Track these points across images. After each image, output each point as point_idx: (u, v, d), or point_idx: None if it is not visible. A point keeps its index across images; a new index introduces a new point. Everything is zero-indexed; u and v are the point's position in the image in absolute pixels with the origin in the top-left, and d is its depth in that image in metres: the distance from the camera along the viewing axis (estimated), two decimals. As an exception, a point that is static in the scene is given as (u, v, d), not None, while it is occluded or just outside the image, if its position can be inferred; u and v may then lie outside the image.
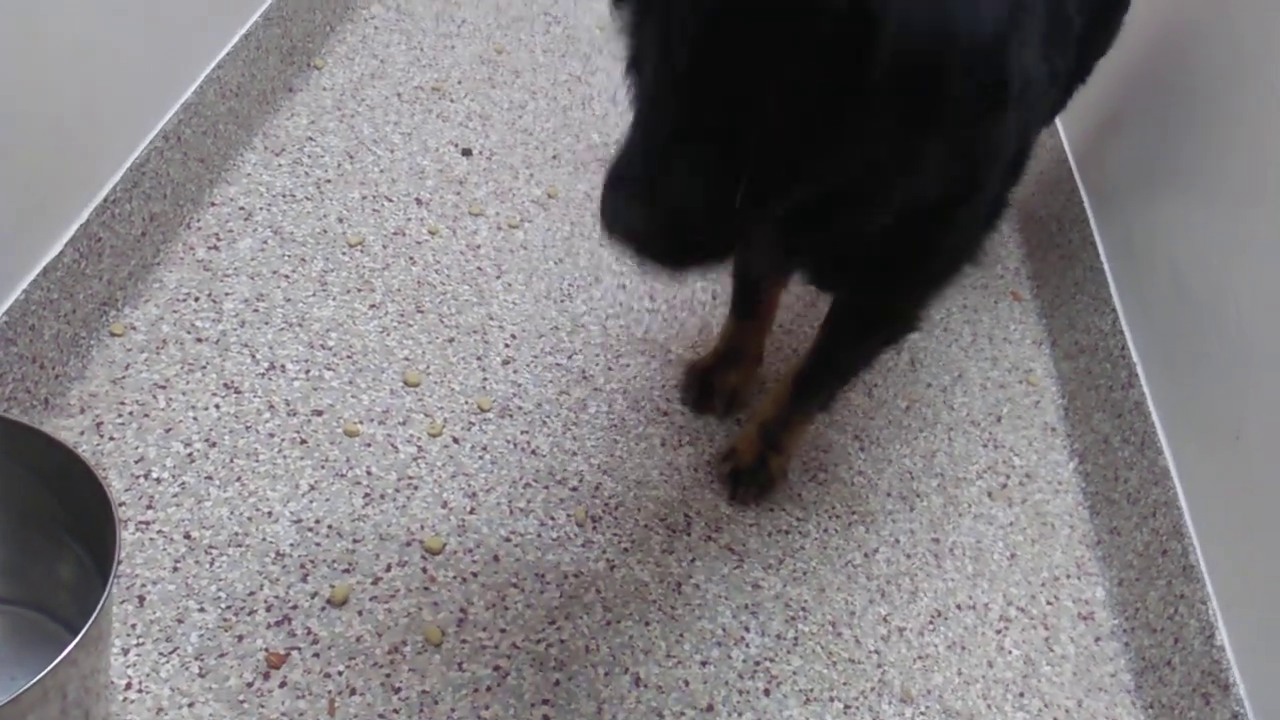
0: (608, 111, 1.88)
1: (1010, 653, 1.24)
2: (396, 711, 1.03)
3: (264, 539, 1.12)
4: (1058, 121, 1.92)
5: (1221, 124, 1.42)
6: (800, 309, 1.62)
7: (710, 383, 1.41)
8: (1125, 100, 1.71)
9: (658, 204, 0.77)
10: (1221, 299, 1.32)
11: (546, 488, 1.25)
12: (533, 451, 1.29)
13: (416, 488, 1.21)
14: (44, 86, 1.08)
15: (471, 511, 1.20)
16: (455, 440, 1.27)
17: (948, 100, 0.76)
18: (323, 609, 1.08)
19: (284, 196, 1.52)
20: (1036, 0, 0.91)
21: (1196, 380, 1.34)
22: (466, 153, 1.70)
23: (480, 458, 1.26)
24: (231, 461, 1.18)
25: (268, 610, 1.07)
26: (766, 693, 1.13)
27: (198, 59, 1.42)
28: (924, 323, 1.21)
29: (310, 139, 1.63)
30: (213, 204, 1.47)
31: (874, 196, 0.88)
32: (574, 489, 1.26)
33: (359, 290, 1.42)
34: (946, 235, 1.04)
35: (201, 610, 1.06)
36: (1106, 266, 1.62)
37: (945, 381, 1.58)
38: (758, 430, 1.31)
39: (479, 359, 1.39)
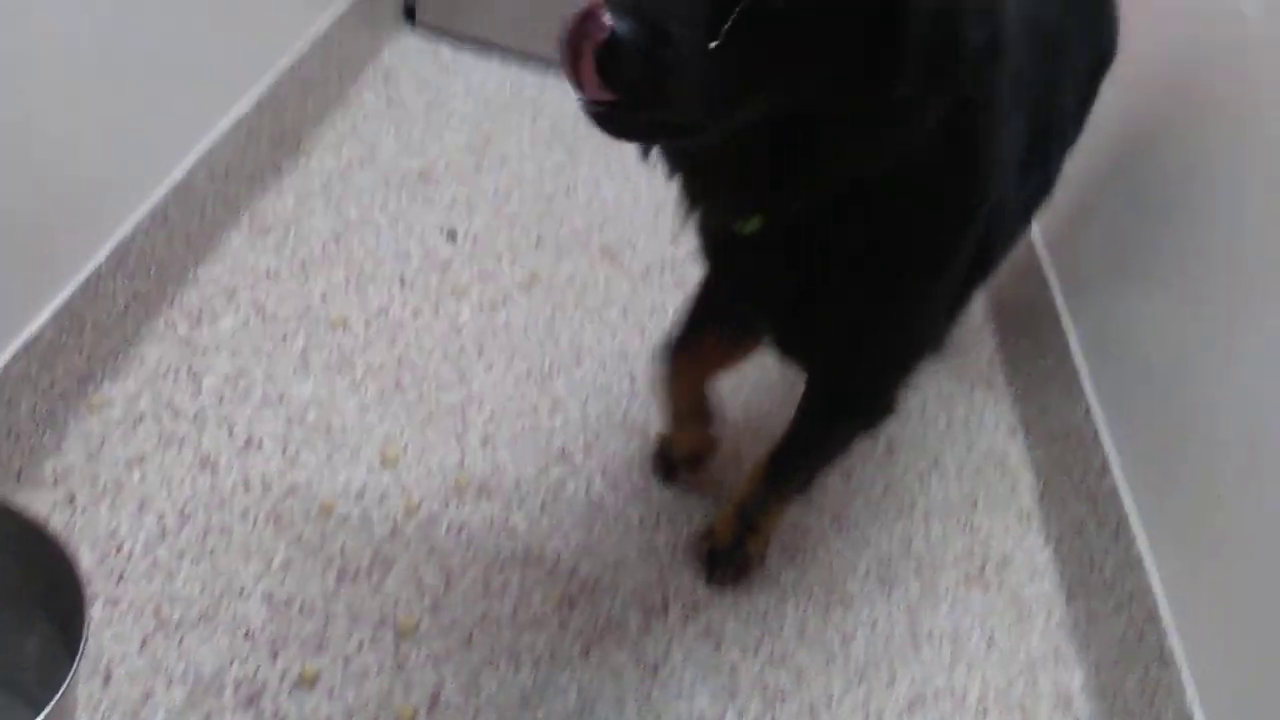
0: (591, 198, 1.92)
1: (989, 741, 1.23)
2: (363, 796, 1.00)
3: (234, 616, 1.10)
4: (1028, 215, 1.97)
5: (1193, 222, 1.46)
6: (782, 394, 1.63)
7: (668, 450, 1.42)
8: (1097, 191, 1.76)
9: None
10: (1192, 393, 1.34)
11: (523, 568, 1.25)
12: (510, 531, 1.29)
13: (390, 566, 1.20)
14: (34, 163, 1.10)
15: (446, 591, 1.19)
16: (431, 518, 1.27)
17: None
18: (292, 689, 1.06)
19: (268, 276, 1.54)
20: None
21: (1169, 470, 1.35)
22: (451, 235, 1.73)
23: (456, 537, 1.26)
24: (204, 537, 1.17)
25: (236, 689, 1.05)
26: (742, 780, 1.11)
27: (189, 141, 1.45)
28: (894, 410, 1.22)
29: (297, 220, 1.65)
30: (197, 282, 1.48)
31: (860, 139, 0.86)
32: (550, 569, 1.26)
33: (339, 368, 1.43)
34: (910, 312, 1.05)
35: (169, 688, 1.04)
36: (1078, 356, 1.65)
37: (922, 467, 1.59)
38: (735, 511, 1.31)
39: (458, 437, 1.39)
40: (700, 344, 1.28)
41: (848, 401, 1.18)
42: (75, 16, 1.09)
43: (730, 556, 1.30)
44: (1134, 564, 1.34)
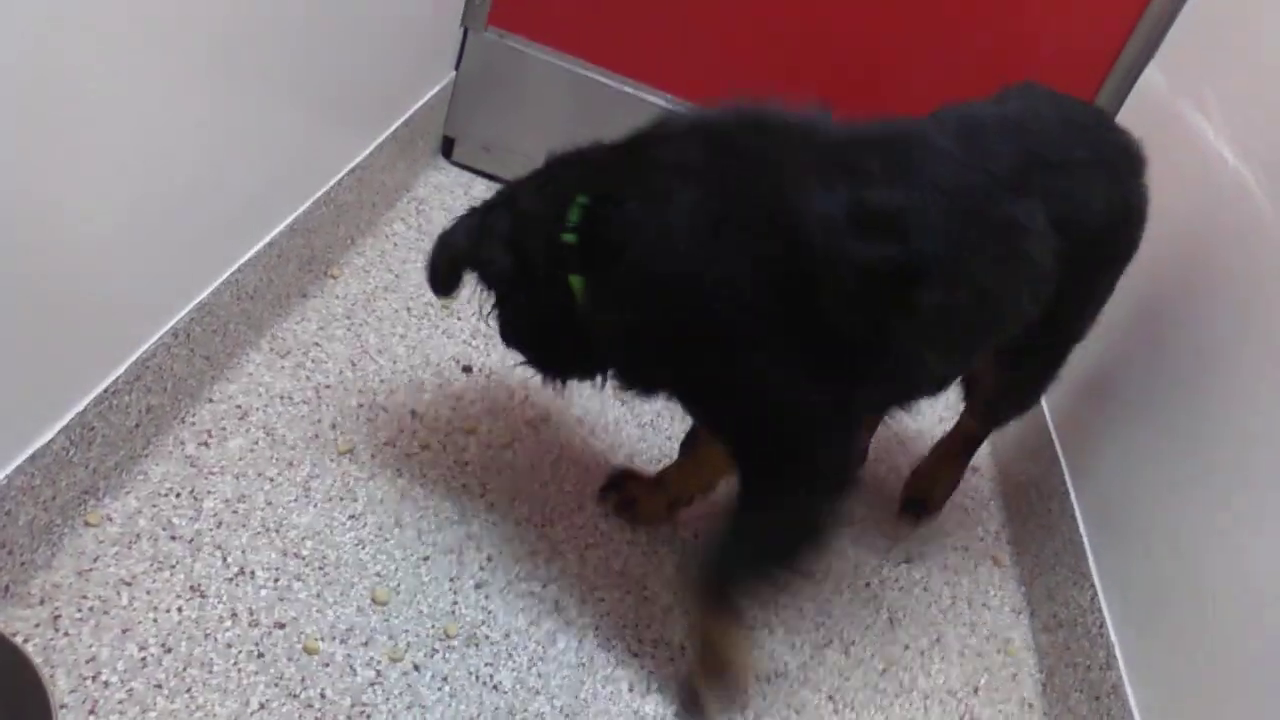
0: (607, 341, 1.93)
1: None
2: None
3: (204, 759, 1.07)
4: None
5: (1202, 414, 1.46)
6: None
7: (634, 492, 1.58)
8: (1108, 374, 1.77)
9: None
10: (1198, 591, 1.32)
11: (505, 727, 1.21)
12: (495, 686, 1.25)
13: (369, 716, 1.17)
14: (62, 275, 1.12)
15: (424, 748, 1.16)
16: (416, 667, 1.24)
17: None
18: (253, 843, 1.02)
19: (282, 398, 1.55)
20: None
21: (1174, 671, 1.32)
22: (467, 369, 1.75)
23: (439, 689, 1.23)
24: (184, 670, 1.14)
25: (195, 840, 1.01)
26: None
27: (219, 261, 1.48)
28: (810, 534, 1.28)
29: (316, 344, 1.67)
30: (210, 400, 1.49)
31: None
32: (533, 731, 1.22)
33: (341, 499, 1.42)
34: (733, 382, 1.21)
35: (125, 834, 1.00)
36: (1085, 540, 1.63)
37: (923, 645, 1.55)
38: (698, 653, 1.34)
39: (452, 580, 1.37)
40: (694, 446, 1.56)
41: (754, 474, 1.27)
42: (112, 135, 1.12)
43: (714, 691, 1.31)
44: (1138, 772, 1.29)
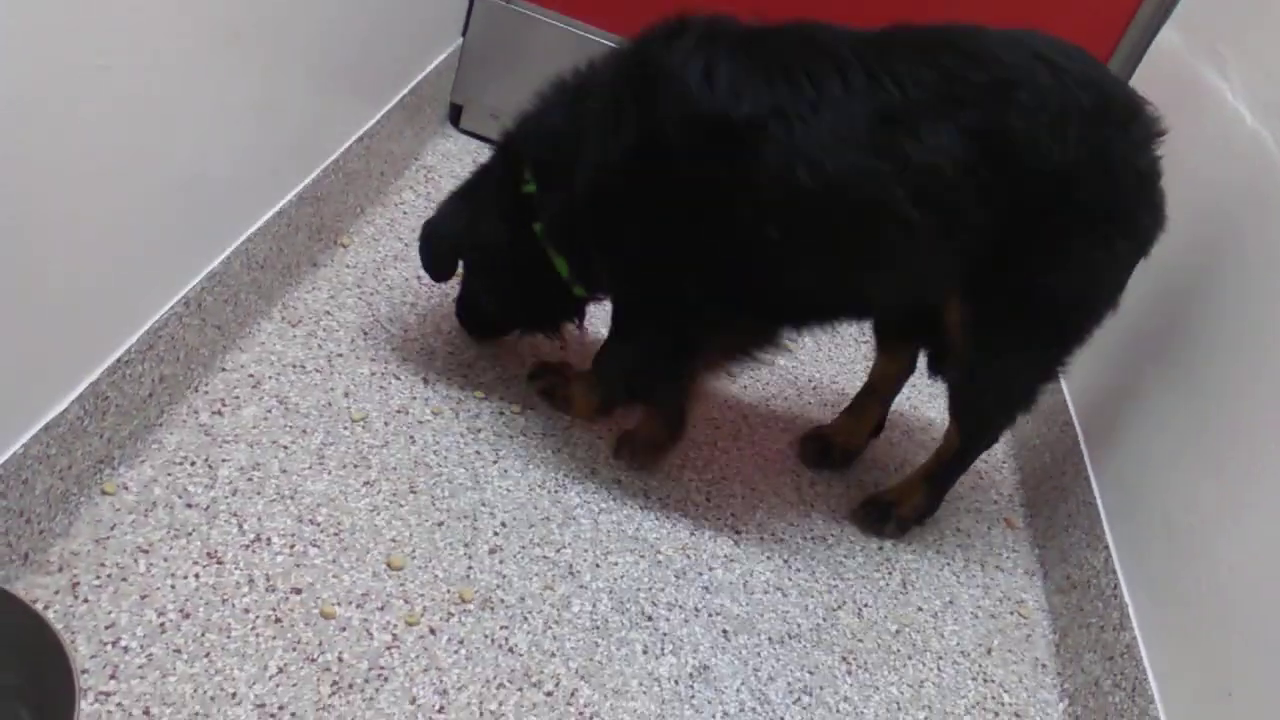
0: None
1: None
2: None
3: (224, 722, 1.08)
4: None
5: (1219, 376, 1.45)
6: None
7: (553, 382, 1.69)
8: (1123, 336, 1.75)
9: None
10: (1212, 553, 1.32)
11: (520, 690, 1.22)
12: (510, 649, 1.26)
13: (386, 679, 1.17)
14: (71, 248, 1.12)
15: (440, 710, 1.17)
16: (432, 631, 1.25)
17: None
18: (274, 804, 1.04)
19: (294, 367, 1.55)
20: None
21: (1188, 630, 1.32)
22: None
23: (455, 652, 1.23)
24: (203, 635, 1.15)
25: (217, 801, 1.02)
26: None
27: (229, 231, 1.48)
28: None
29: (328, 313, 1.67)
30: (223, 369, 1.49)
31: None
32: (549, 693, 1.23)
33: (355, 466, 1.43)
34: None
35: (148, 795, 1.01)
36: (1100, 502, 1.63)
37: (936, 606, 1.55)
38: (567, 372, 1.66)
39: (466, 545, 1.38)
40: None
41: (620, 311, 1.58)
42: (124, 110, 1.12)
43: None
44: (1151, 729, 1.29)
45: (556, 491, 1.51)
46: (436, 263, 1.60)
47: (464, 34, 2.20)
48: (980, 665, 1.48)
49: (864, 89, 1.27)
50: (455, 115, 2.28)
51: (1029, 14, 2.02)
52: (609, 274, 1.50)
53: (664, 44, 1.34)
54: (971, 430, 1.61)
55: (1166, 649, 1.35)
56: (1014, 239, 1.35)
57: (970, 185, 1.29)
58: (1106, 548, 1.55)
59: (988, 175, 1.28)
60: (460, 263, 1.62)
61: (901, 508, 1.64)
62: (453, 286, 1.84)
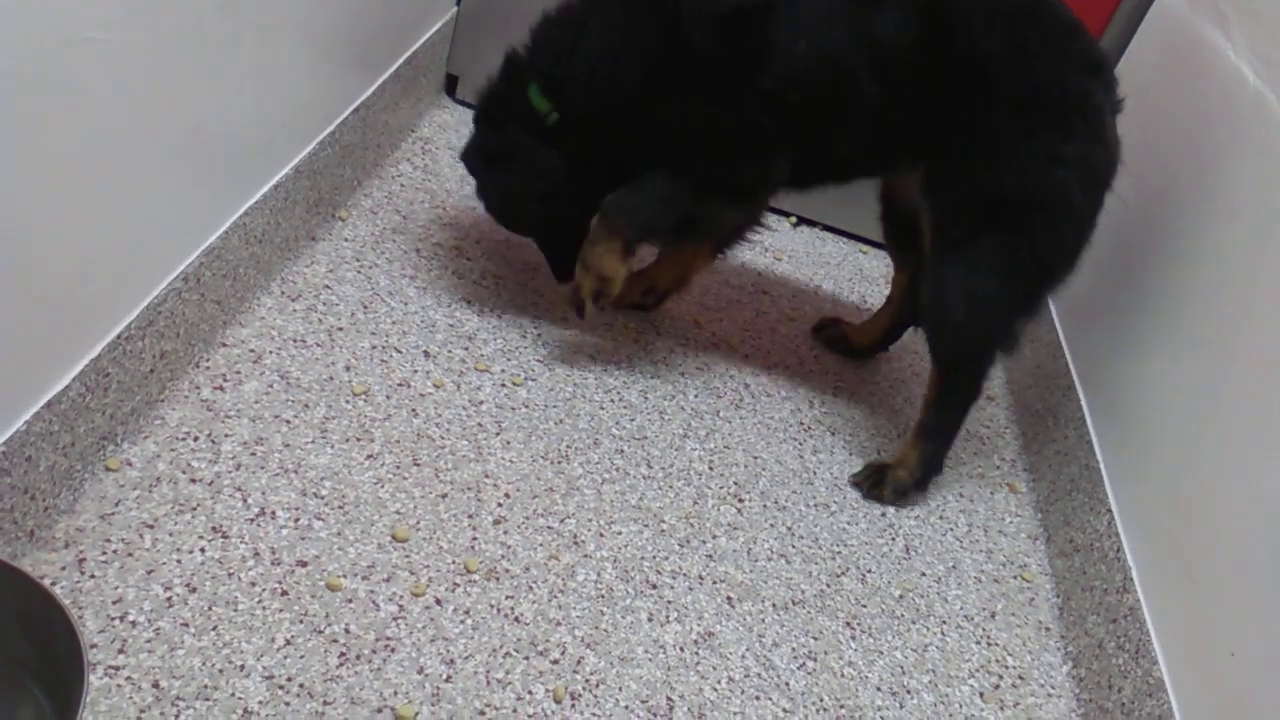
0: (618, 278, 1.93)
1: None
2: None
3: (233, 694, 1.09)
4: (1055, 314, 1.97)
5: (1220, 337, 1.45)
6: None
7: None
8: (1124, 298, 1.75)
9: None
10: (1214, 515, 1.32)
11: (527, 658, 1.23)
12: (516, 618, 1.27)
13: (394, 650, 1.18)
14: (70, 224, 1.11)
15: (448, 679, 1.17)
16: (438, 601, 1.25)
17: None
18: (285, 774, 1.04)
19: (295, 341, 1.54)
20: None
21: (1192, 591, 1.32)
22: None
23: (462, 622, 1.24)
24: (210, 609, 1.16)
25: (228, 771, 1.03)
26: None
27: (226, 205, 1.47)
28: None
29: (327, 287, 1.67)
30: (224, 345, 1.49)
31: None
32: (555, 661, 1.23)
33: (358, 440, 1.43)
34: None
35: (159, 767, 1.02)
36: (1102, 465, 1.63)
37: (940, 571, 1.56)
38: (583, 271, 1.62)
39: (470, 517, 1.38)
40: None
41: (671, 159, 1.61)
42: (119, 83, 1.11)
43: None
44: (1154, 689, 1.30)
45: (559, 462, 1.51)
46: (510, 219, 1.75)
47: (458, 3, 2.18)
48: (984, 629, 1.49)
49: None
50: (451, 86, 2.27)
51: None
52: (650, 155, 1.59)
53: None
54: (947, 359, 1.63)
55: (1169, 610, 1.35)
56: (951, 125, 1.51)
57: (911, 63, 1.48)
58: (1109, 511, 1.55)
59: (924, 55, 1.48)
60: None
61: (898, 470, 1.65)
62: (451, 260, 1.84)
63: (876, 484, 1.65)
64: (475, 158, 1.70)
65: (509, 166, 1.64)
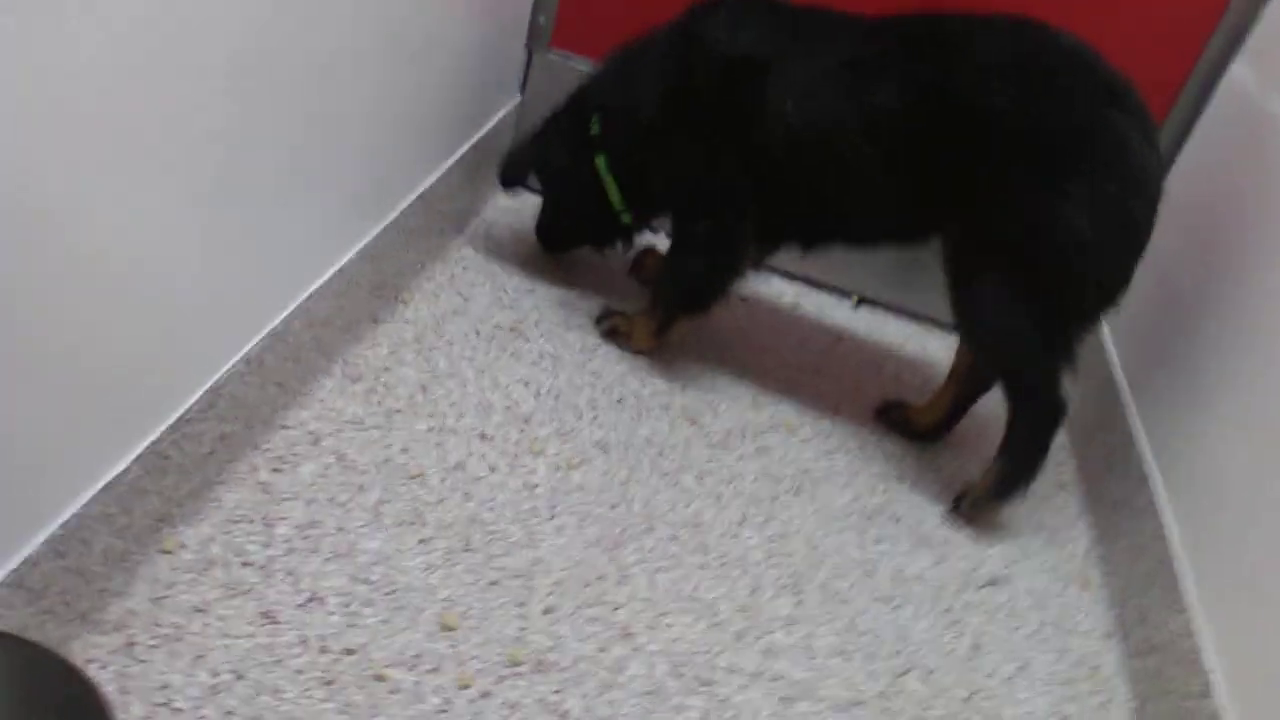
0: (674, 358, 1.92)
1: None
2: None
3: (274, 786, 1.07)
4: (1130, 399, 1.90)
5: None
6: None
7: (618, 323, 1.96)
8: (1200, 380, 1.68)
9: None
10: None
11: (573, 756, 1.19)
12: (563, 714, 1.24)
13: (438, 745, 1.16)
14: (133, 312, 1.14)
15: (491, 777, 1.15)
16: (484, 695, 1.23)
17: None
18: None
19: (353, 424, 1.56)
20: None
21: (1277, 699, 1.24)
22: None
23: (507, 716, 1.21)
24: (255, 697, 1.15)
25: None
26: None
27: (290, 290, 1.50)
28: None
29: (387, 369, 1.68)
30: (284, 427, 1.51)
31: None
32: (602, 760, 1.20)
33: (411, 523, 1.43)
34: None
35: None
36: (1180, 560, 1.55)
37: (1008, 672, 1.49)
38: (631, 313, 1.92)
39: (520, 605, 1.36)
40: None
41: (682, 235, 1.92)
42: (187, 176, 1.14)
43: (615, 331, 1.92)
44: (1243, 810, 1.21)
45: (613, 549, 1.49)
46: (508, 169, 1.98)
47: (522, 90, 2.23)
48: (1056, 735, 1.41)
49: (846, 45, 1.62)
50: (515, 170, 2.30)
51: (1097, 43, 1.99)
52: (664, 191, 1.85)
53: (701, 12, 1.73)
54: (996, 371, 1.75)
55: (1254, 717, 1.26)
56: (963, 186, 1.57)
57: (911, 129, 1.56)
58: (1185, 609, 1.47)
59: (924, 121, 1.56)
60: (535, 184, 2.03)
61: (978, 486, 1.74)
62: (509, 341, 1.85)
63: (958, 499, 1.75)
64: (524, 154, 1.98)
65: (554, 187, 1.99)
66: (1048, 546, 1.76)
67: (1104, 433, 1.94)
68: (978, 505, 1.72)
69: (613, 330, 1.92)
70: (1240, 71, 1.89)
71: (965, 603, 1.59)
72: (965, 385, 1.86)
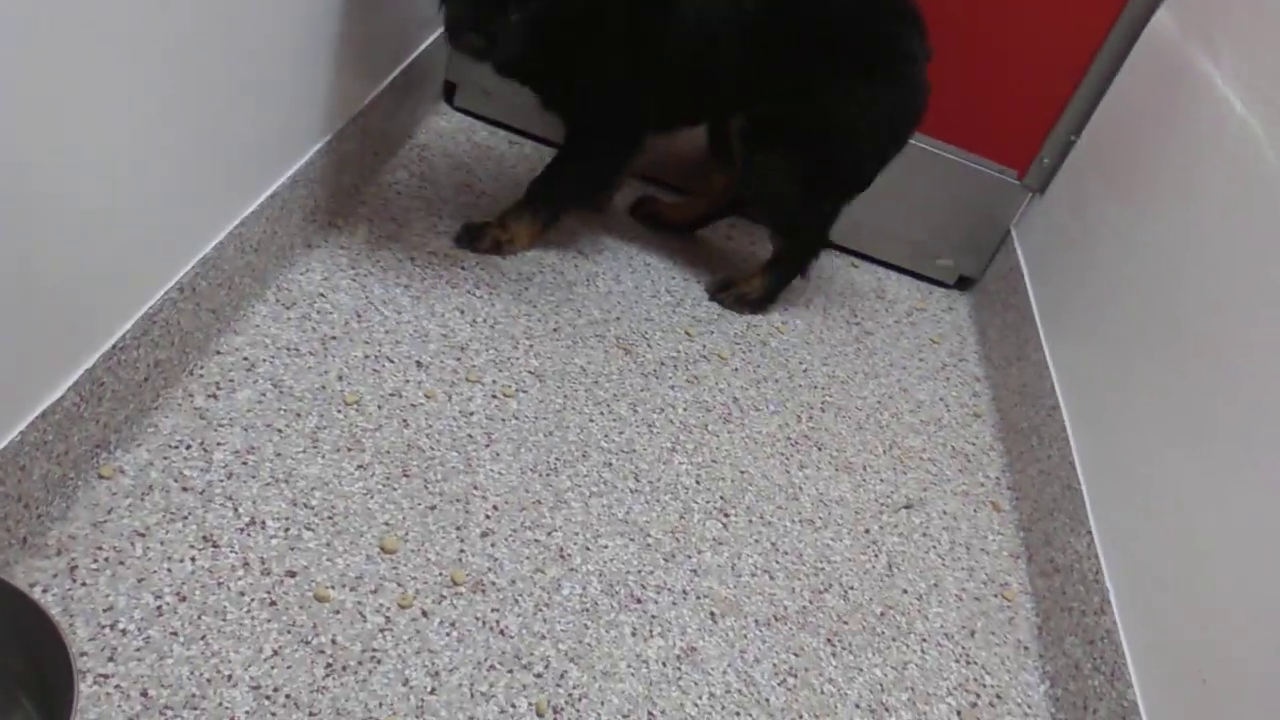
0: (610, 289, 1.94)
1: None
2: None
3: (220, 703, 1.11)
4: (1042, 333, 1.99)
5: (1203, 365, 1.47)
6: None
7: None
8: (1110, 323, 1.77)
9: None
10: (1192, 540, 1.34)
11: (510, 671, 1.24)
12: (501, 631, 1.29)
13: (379, 661, 1.20)
14: (69, 237, 1.13)
15: (432, 692, 1.19)
16: (424, 613, 1.27)
17: None
18: (269, 784, 1.06)
19: (288, 350, 1.56)
20: None
21: (1166, 616, 1.34)
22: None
23: (447, 634, 1.26)
24: (199, 618, 1.17)
25: (213, 781, 1.05)
26: None
27: (222, 216, 1.48)
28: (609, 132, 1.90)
29: (322, 295, 1.68)
30: (218, 352, 1.51)
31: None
32: (538, 675, 1.25)
33: (349, 450, 1.45)
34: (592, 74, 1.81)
35: (146, 775, 1.04)
36: (1084, 487, 1.65)
37: (921, 589, 1.58)
38: (497, 218, 1.94)
39: (458, 529, 1.40)
40: None
41: (581, 133, 1.91)
42: (120, 101, 1.12)
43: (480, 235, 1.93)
44: (1128, 712, 1.32)
45: (548, 475, 1.53)
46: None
47: (458, 12, 2.19)
48: (963, 647, 1.51)
49: None
50: (449, 93, 2.28)
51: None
52: (574, 98, 1.86)
53: None
54: (775, 228, 2.05)
55: (1144, 634, 1.37)
56: (781, 75, 1.80)
57: (768, 30, 1.76)
58: (1089, 532, 1.57)
59: (780, 25, 1.76)
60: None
61: (744, 287, 2.06)
62: (446, 269, 1.85)
63: (722, 288, 2.07)
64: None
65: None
66: (962, 472, 1.85)
67: (1019, 364, 2.03)
68: (738, 304, 2.05)
69: (494, 244, 1.95)
70: (1163, 19, 1.95)
71: (883, 525, 1.67)
72: (721, 203, 2.19)
